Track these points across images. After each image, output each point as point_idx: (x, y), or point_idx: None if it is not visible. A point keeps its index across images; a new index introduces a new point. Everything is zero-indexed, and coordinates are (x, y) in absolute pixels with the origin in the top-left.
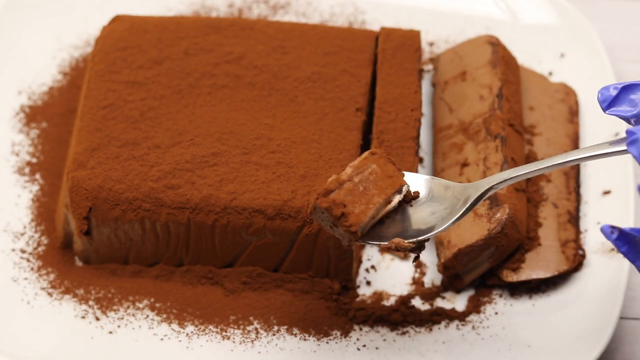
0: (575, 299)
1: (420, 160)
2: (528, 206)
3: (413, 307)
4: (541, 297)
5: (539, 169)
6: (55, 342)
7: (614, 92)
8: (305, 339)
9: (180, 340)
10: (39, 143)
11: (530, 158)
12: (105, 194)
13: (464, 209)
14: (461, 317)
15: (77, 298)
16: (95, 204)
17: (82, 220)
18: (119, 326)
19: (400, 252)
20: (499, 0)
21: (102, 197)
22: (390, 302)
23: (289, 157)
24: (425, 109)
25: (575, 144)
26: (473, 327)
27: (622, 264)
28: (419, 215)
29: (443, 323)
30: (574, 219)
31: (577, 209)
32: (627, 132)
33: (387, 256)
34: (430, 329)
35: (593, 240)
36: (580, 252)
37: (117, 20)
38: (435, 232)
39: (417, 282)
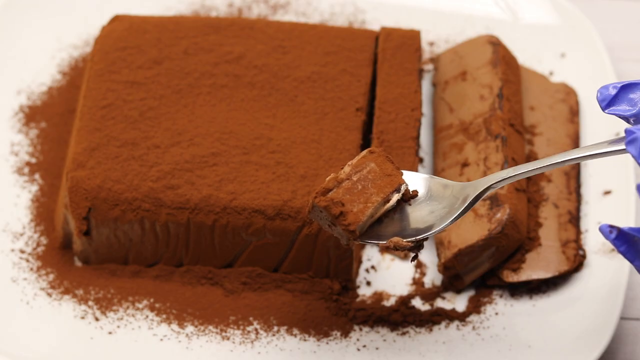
0: (575, 299)
1: (421, 160)
2: (528, 206)
3: (413, 307)
4: (542, 297)
5: (537, 168)
6: (54, 343)
7: (613, 91)
8: (305, 340)
9: (179, 341)
10: (38, 143)
11: (530, 158)
12: (104, 194)
13: (462, 208)
14: (461, 317)
15: (77, 298)
16: (95, 204)
17: (82, 221)
18: (118, 326)
19: (399, 251)
20: (499, 0)
21: (101, 197)
22: (390, 302)
23: (288, 157)
24: (426, 108)
25: (575, 144)
26: (473, 328)
27: (623, 264)
28: (417, 214)
29: (443, 323)
30: (575, 219)
31: (578, 209)
32: (626, 131)
33: (387, 256)
34: (431, 330)
35: (594, 241)
36: (581, 252)
37: (116, 20)
38: (434, 231)
39: (417, 282)
